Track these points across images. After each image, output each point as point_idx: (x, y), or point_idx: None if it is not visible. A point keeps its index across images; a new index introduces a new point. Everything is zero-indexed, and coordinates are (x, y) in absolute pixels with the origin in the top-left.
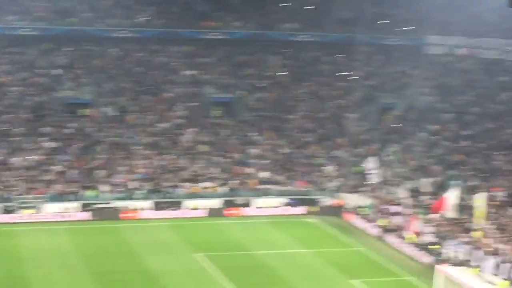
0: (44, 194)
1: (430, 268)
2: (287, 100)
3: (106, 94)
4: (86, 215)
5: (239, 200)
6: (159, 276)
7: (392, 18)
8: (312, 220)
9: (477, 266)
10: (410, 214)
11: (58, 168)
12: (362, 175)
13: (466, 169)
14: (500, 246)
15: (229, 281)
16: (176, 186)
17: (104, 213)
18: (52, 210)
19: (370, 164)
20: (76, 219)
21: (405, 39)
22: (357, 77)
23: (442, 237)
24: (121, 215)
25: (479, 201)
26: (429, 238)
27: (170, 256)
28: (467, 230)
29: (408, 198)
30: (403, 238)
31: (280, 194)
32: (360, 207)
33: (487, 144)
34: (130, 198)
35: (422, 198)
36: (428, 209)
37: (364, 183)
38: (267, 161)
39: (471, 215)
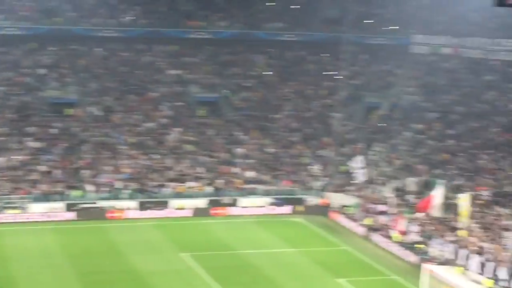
0: (29, 194)
1: (416, 267)
2: (273, 99)
3: (91, 93)
4: (72, 215)
5: (225, 199)
6: (145, 276)
7: (377, 17)
8: (298, 219)
9: (463, 265)
10: (395, 213)
11: (43, 168)
12: (348, 174)
13: (451, 168)
14: (485, 245)
15: (215, 280)
16: (161, 186)
17: (89, 213)
18: (37, 210)
19: (356, 164)
20: (61, 219)
21: (390, 38)
22: (343, 76)
23: (427, 236)
24: (106, 215)
25: (463, 200)
26: (414, 237)
27: (156, 256)
28: (453, 229)
29: (393, 197)
30: (389, 237)
31: (266, 193)
32: (346, 206)
33: (472, 143)
34: (116, 198)
35: (408, 197)
36: (413, 208)
37: (350, 182)
38: (253, 161)
39: (456, 214)
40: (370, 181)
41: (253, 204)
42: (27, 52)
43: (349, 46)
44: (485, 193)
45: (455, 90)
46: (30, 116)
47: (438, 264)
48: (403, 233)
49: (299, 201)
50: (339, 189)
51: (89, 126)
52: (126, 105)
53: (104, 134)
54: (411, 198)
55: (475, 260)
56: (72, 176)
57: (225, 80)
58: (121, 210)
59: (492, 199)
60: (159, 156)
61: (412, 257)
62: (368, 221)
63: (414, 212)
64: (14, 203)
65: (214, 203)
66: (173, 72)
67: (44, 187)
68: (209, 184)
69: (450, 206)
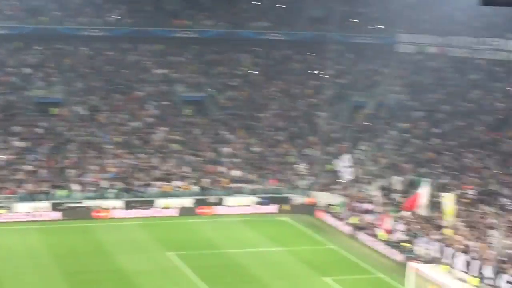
0: (14, 194)
1: (402, 265)
2: (259, 98)
3: (77, 93)
4: (57, 215)
5: (211, 198)
6: (131, 276)
7: (363, 16)
8: (284, 218)
9: (448, 263)
10: (381, 212)
11: (29, 167)
12: (334, 173)
13: (436, 167)
14: (471, 243)
15: (201, 280)
16: (147, 185)
17: (75, 212)
18: (23, 209)
19: (344, 162)
20: (47, 218)
21: (375, 37)
22: (328, 75)
23: (413, 235)
24: (92, 215)
25: (447, 199)
26: (400, 236)
27: (142, 255)
28: (438, 228)
29: (379, 196)
30: (374, 235)
31: (252, 192)
32: (332, 205)
33: (457, 142)
34: (102, 197)
35: (394, 196)
36: (399, 207)
37: (336, 181)
38: (239, 160)
39: (441, 212)
40: (356, 180)
41: (239, 203)
42: (13, 52)
43: (334, 45)
44: (471, 192)
45: (441, 89)
46: (15, 116)
47: (423, 263)
48: (389, 231)
49: (285, 200)
50: (325, 188)
51: (74, 126)
52: (112, 105)
53: (89, 134)
54: (397, 196)
55: (461, 259)
56: (58, 175)
57: (211, 79)
58: (107, 209)
59: (477, 198)
60: (145, 156)
61: (398, 256)
62: (354, 219)
63: (400, 211)
64: None
65: (200, 202)
66: (159, 71)
67: (29, 186)
68: (195, 183)
69: (436, 205)
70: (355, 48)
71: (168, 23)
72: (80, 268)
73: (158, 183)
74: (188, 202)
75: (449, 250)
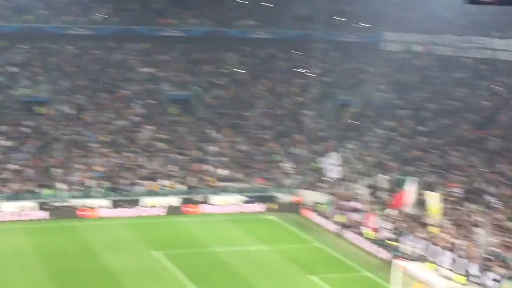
0: (0, 193)
1: (388, 263)
2: (245, 97)
3: (63, 92)
4: (44, 214)
5: (198, 197)
6: (117, 275)
7: (348, 15)
8: (270, 217)
9: (434, 261)
10: (368, 210)
11: (15, 166)
12: (320, 171)
13: (422, 165)
14: (457, 241)
15: (187, 279)
16: (134, 184)
17: (61, 211)
18: (8, 209)
19: (332, 160)
20: (33, 218)
21: (361, 36)
22: (314, 74)
23: (399, 233)
24: (78, 214)
25: (432, 197)
26: (386, 234)
27: (128, 254)
28: (424, 226)
29: (365, 194)
30: (361, 234)
31: (239, 191)
32: (318, 203)
33: (443, 140)
34: (88, 197)
35: (380, 194)
36: (386, 205)
37: (323, 179)
38: (225, 159)
39: (427, 211)
40: (342, 178)
41: (226, 202)
42: None
43: (320, 44)
44: (457, 190)
45: (427, 87)
46: (1, 115)
47: (410, 261)
48: (376, 230)
49: (271, 199)
50: (312, 186)
51: (60, 125)
52: (98, 103)
53: (76, 133)
54: (383, 195)
55: (447, 256)
56: (44, 174)
57: (197, 78)
58: (93, 208)
59: (463, 196)
60: (131, 154)
61: (384, 254)
62: (340, 218)
63: (386, 209)
64: None
65: (187, 201)
66: (145, 70)
67: (15, 186)
68: (181, 182)
69: (422, 203)
70: (340, 47)
71: (154, 22)
72: (67, 267)
73: (145, 182)
74: (174, 201)
75: (435, 248)
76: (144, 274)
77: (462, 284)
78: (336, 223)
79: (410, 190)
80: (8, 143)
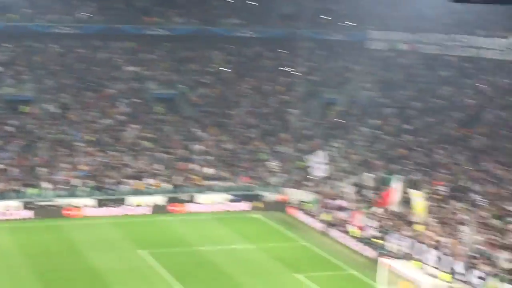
0: None
1: (374, 261)
2: (230, 95)
3: (48, 90)
4: (28, 214)
5: (183, 196)
6: (103, 274)
7: (334, 13)
8: (256, 215)
9: (420, 259)
10: (353, 209)
11: None
12: (306, 170)
13: (408, 163)
14: (442, 239)
15: (173, 277)
16: (119, 183)
17: (46, 211)
18: None
19: (319, 159)
20: (18, 217)
21: (347, 34)
22: (300, 72)
23: (385, 231)
24: (63, 213)
25: (418, 195)
26: (372, 232)
27: (114, 253)
28: (410, 224)
29: (351, 192)
30: (346, 232)
31: (224, 190)
32: (304, 202)
33: (428, 138)
34: (73, 196)
35: (365, 192)
36: (371, 203)
37: (308, 178)
38: (211, 157)
39: (412, 209)
40: (328, 177)
41: (212, 201)
42: None
43: (306, 42)
44: (442, 188)
45: (412, 86)
46: None
47: (395, 259)
48: (361, 228)
49: (257, 197)
50: (297, 185)
51: (45, 124)
52: (83, 102)
53: (61, 132)
54: (368, 193)
55: (432, 254)
56: (29, 174)
57: (183, 76)
58: (79, 207)
59: (448, 194)
60: (116, 153)
61: (370, 252)
62: (326, 216)
63: (372, 207)
64: None
65: (172, 200)
66: (130, 68)
67: (0, 185)
68: (167, 181)
69: (407, 201)
70: (326, 45)
71: (139, 21)
72: (52, 266)
73: (130, 181)
74: (160, 199)
75: (420, 246)
76: (129, 273)
77: (448, 282)
78: (322, 221)
79: (396, 188)
80: None
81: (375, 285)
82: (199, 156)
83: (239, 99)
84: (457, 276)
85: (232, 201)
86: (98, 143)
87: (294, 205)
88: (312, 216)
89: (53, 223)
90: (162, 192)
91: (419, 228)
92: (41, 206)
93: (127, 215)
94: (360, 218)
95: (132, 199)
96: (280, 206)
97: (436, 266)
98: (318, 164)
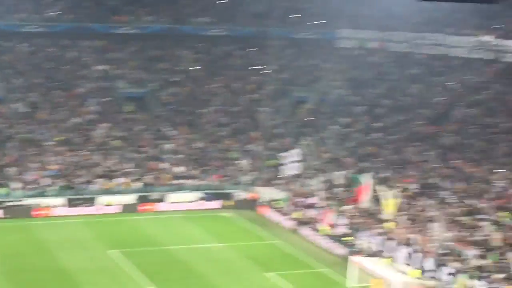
0: None
1: (344, 259)
2: (201, 94)
3: (17, 90)
4: None
5: (154, 195)
6: (73, 274)
7: (304, 12)
8: (227, 214)
9: (390, 256)
10: (324, 207)
11: None
12: (277, 168)
13: (378, 161)
14: (412, 236)
15: (144, 277)
16: (89, 182)
17: (15, 211)
18: None
19: (292, 157)
20: None
21: (316, 33)
22: (270, 71)
23: (355, 229)
24: (33, 213)
25: (388, 193)
26: (342, 230)
27: (84, 253)
28: (380, 221)
29: (322, 190)
30: (317, 230)
31: (195, 188)
32: (274, 200)
33: (398, 136)
34: (43, 195)
35: (336, 190)
36: (342, 201)
37: (279, 176)
38: (181, 156)
39: (383, 206)
40: (298, 175)
41: (182, 200)
42: None
43: (276, 41)
44: (412, 185)
45: (381, 84)
46: None
47: (366, 256)
48: (332, 226)
49: (228, 196)
50: (268, 183)
51: (14, 123)
52: (52, 101)
53: (30, 131)
54: (339, 191)
55: (403, 252)
56: None
57: (152, 75)
58: (48, 207)
59: (418, 191)
60: (86, 152)
61: (341, 250)
62: (296, 214)
63: (342, 205)
64: None
65: (143, 199)
66: (99, 67)
67: None
68: (137, 180)
69: (377, 199)
70: (296, 44)
71: (108, 19)
72: (22, 267)
73: (100, 180)
74: (130, 199)
75: (391, 243)
76: (100, 273)
77: (418, 278)
78: (293, 219)
79: (367, 186)
80: None
81: (346, 282)
82: (169, 155)
83: (210, 98)
84: (427, 273)
85: (202, 199)
86: (68, 142)
87: (265, 203)
88: (283, 214)
89: (22, 223)
90: (133, 191)
91: (389, 225)
92: (10, 206)
93: (97, 214)
94: (330, 216)
95: (102, 199)
96: (251, 204)
97: (406, 263)
98: (292, 162)
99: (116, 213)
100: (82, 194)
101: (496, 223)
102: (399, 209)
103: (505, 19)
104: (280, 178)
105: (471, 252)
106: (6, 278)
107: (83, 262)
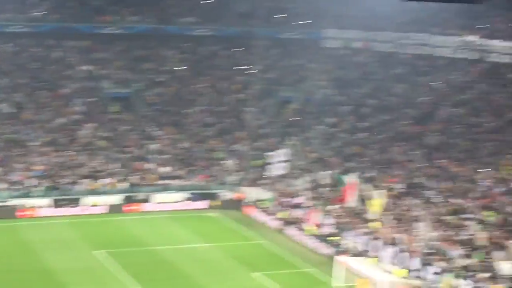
0: None
1: (330, 259)
2: (186, 94)
3: (1, 90)
4: None
5: (139, 195)
6: (59, 275)
7: (289, 12)
8: (213, 214)
9: (376, 256)
10: (310, 206)
11: None
12: (262, 168)
13: (363, 161)
14: (398, 236)
15: (130, 277)
16: (74, 183)
17: (0, 211)
18: None
19: (279, 157)
20: None
21: (302, 33)
22: (256, 70)
23: (341, 229)
24: (18, 214)
25: (373, 192)
26: (328, 230)
27: (69, 254)
28: (366, 221)
29: (307, 190)
30: (303, 230)
31: (181, 189)
32: (260, 200)
33: (383, 135)
34: (28, 196)
35: (322, 190)
36: (328, 201)
37: (264, 176)
38: (167, 156)
39: (368, 206)
40: (284, 175)
41: (168, 200)
42: None
43: (261, 41)
44: (397, 185)
45: (366, 84)
46: None
47: (352, 256)
48: (318, 225)
49: (214, 196)
50: (254, 183)
51: None
52: (38, 102)
53: (15, 131)
54: (325, 191)
55: (388, 251)
56: None
57: (138, 75)
58: (34, 208)
59: (403, 191)
60: (72, 153)
61: (327, 250)
62: (282, 214)
63: (328, 205)
64: None
65: (129, 200)
66: (84, 67)
67: None
68: (123, 180)
69: (363, 198)
70: (281, 44)
71: (93, 19)
72: (7, 267)
73: (86, 180)
74: (116, 199)
75: (376, 243)
76: (85, 274)
77: (403, 278)
78: (279, 219)
79: (352, 186)
80: None
81: (332, 282)
82: (155, 155)
83: (195, 98)
84: (412, 272)
85: (189, 200)
86: (53, 143)
87: (251, 203)
88: (269, 214)
89: (7, 224)
90: (118, 191)
91: (375, 225)
92: None
93: (83, 215)
94: (316, 216)
95: (87, 199)
96: (237, 204)
97: (392, 263)
98: (279, 162)
99: (101, 213)
100: (67, 195)
101: (481, 222)
102: (385, 209)
103: (490, 19)
104: (266, 178)
105: (456, 252)
106: None
107: (68, 263)
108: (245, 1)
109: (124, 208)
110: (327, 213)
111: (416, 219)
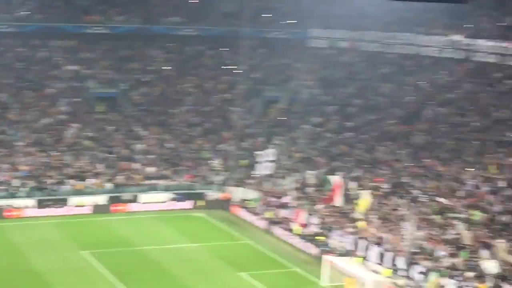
0: None
1: (317, 258)
2: (172, 94)
3: None
4: None
5: (125, 196)
6: (44, 275)
7: (275, 11)
8: (199, 214)
9: (362, 256)
10: (296, 206)
11: None
12: (249, 168)
13: (349, 160)
14: (384, 235)
15: (116, 277)
16: (60, 183)
17: None
18: None
19: (267, 157)
20: None
21: (288, 32)
22: (242, 70)
23: (327, 228)
24: (4, 214)
25: (360, 192)
26: (315, 229)
27: (55, 254)
28: (352, 221)
29: (294, 190)
30: (289, 230)
31: (167, 189)
32: (247, 200)
33: (369, 135)
34: (13, 197)
35: (308, 190)
36: (314, 201)
37: (251, 175)
38: (153, 156)
39: (355, 205)
40: (270, 175)
41: (154, 200)
42: None
43: (247, 40)
44: (383, 184)
45: (352, 83)
46: None
47: (338, 256)
48: (304, 225)
49: (200, 196)
50: (240, 183)
51: None
52: (23, 102)
53: (0, 131)
54: (311, 190)
55: (374, 251)
56: None
57: (124, 75)
58: (20, 208)
59: (389, 190)
60: (57, 153)
61: (313, 249)
62: (269, 214)
63: (314, 204)
64: None
65: (114, 200)
66: (70, 67)
67: None
68: (109, 181)
69: (350, 198)
70: (268, 43)
71: (79, 19)
72: None
73: (72, 181)
74: (102, 199)
75: (363, 243)
76: (71, 274)
77: (390, 277)
78: (265, 219)
79: (338, 185)
80: None
81: (319, 282)
82: (141, 155)
83: (181, 98)
84: (399, 272)
85: (175, 200)
86: (39, 143)
87: (237, 203)
88: (255, 214)
89: None
90: (104, 192)
91: (361, 224)
92: None
93: (68, 215)
94: (303, 216)
95: (73, 199)
96: (223, 204)
97: (378, 262)
98: (266, 162)
99: (87, 213)
100: (53, 195)
101: (467, 221)
102: (371, 208)
103: (475, 19)
104: (252, 178)
105: (442, 251)
106: None
107: (54, 263)
108: (231, 0)
109: (110, 208)
110: (314, 212)
111: (402, 219)
